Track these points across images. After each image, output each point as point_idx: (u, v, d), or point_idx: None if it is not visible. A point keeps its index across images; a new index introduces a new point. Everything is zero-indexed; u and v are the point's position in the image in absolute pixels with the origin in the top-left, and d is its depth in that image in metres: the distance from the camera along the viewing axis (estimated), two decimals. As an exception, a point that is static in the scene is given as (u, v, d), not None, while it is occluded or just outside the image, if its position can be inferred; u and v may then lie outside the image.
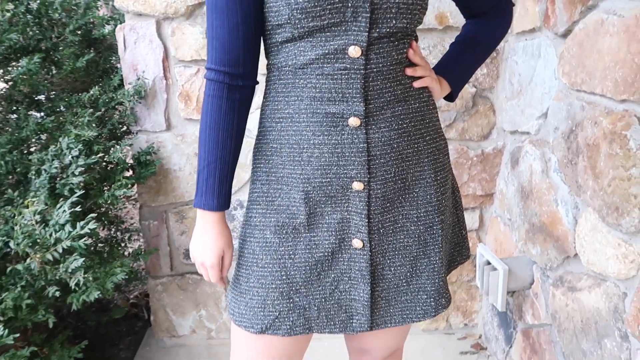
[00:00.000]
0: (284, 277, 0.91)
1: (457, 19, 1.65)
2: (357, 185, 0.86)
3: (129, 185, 1.46)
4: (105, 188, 1.45)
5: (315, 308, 0.93)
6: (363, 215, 0.87)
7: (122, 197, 1.44)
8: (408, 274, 0.93)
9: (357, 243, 0.89)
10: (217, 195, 0.90)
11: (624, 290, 1.15)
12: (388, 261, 0.91)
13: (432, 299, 0.95)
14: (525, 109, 1.59)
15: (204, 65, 1.65)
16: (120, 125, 1.66)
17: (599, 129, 1.19)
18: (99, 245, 1.60)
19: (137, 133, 1.71)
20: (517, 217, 1.66)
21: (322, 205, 0.88)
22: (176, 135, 1.73)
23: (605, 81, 1.17)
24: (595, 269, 1.24)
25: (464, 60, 1.06)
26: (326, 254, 0.90)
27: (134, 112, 1.67)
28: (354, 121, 0.83)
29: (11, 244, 1.18)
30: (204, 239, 0.93)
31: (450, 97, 1.08)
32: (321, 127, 0.84)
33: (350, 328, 0.94)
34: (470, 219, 1.90)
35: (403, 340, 1.16)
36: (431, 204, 0.92)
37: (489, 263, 1.64)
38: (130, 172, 1.63)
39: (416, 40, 0.93)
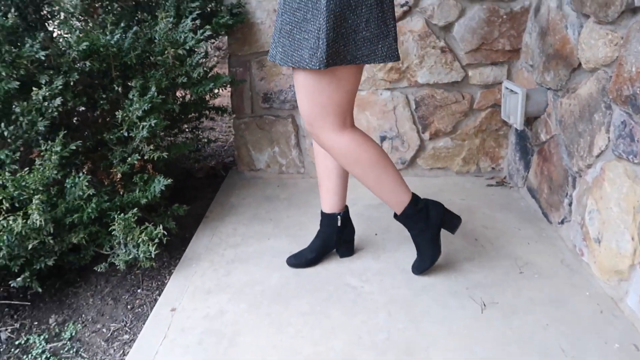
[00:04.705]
0: None
1: None
2: None
3: (228, 19, 1.91)
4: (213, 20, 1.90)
5: None
6: None
7: (223, 26, 1.89)
8: None
9: None
10: None
11: (610, 74, 1.51)
12: None
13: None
14: (546, -39, 1.91)
15: None
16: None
17: (597, -52, 1.53)
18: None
19: (228, -8, 2.15)
20: (536, 58, 2.01)
21: None
22: (259, -6, 2.16)
23: None
24: (590, 65, 1.60)
25: None
26: None
27: (227, -28, 2.11)
28: None
29: (156, 36, 1.65)
30: None
31: None
32: None
33: None
34: (499, 72, 2.26)
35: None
36: None
37: (512, 92, 2.01)
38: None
39: None
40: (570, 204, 1.76)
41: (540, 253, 1.73)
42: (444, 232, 1.81)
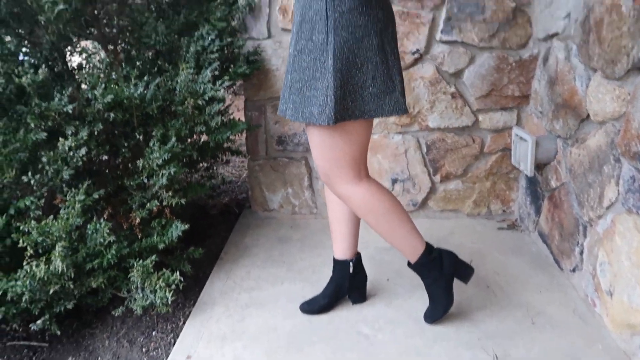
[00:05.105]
0: None
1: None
2: None
3: (245, 69, 1.98)
4: (230, 69, 1.97)
5: None
6: None
7: (241, 74, 1.96)
8: None
9: None
10: None
11: (619, 127, 1.54)
12: None
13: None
14: (554, 13, 1.97)
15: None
16: (235, 31, 2.18)
17: (604, 6, 1.58)
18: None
19: (246, 40, 2.23)
20: (545, 105, 2.05)
21: None
22: (275, 42, 2.23)
23: (609, -30, 1.56)
24: (599, 118, 1.63)
25: None
26: None
27: (244, 22, 2.19)
28: None
29: (177, 89, 1.72)
30: None
31: None
32: None
33: None
34: (509, 117, 2.30)
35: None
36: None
37: (521, 139, 2.05)
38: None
39: None
40: (581, 253, 1.77)
41: (552, 302, 1.74)
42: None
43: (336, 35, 1.30)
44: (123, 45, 2.11)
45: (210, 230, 2.63)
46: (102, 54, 2.11)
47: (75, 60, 2.02)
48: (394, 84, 1.38)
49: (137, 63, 2.03)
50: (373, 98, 1.36)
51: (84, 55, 2.00)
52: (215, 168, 2.75)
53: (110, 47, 2.15)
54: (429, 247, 1.57)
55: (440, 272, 1.58)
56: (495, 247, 2.14)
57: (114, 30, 2.19)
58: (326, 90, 1.31)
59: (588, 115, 1.72)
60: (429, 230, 2.32)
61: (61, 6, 1.50)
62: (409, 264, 1.60)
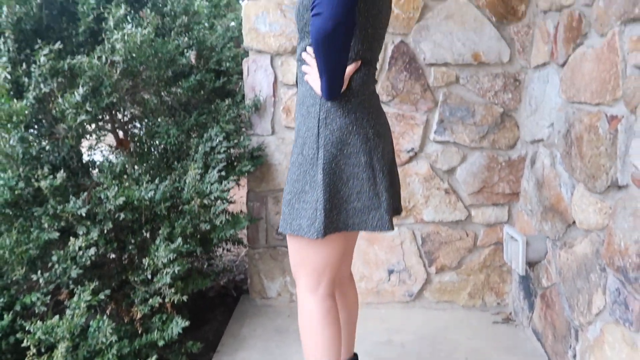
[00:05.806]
0: None
1: (489, 57, 2.23)
2: None
3: (250, 167, 2.09)
4: (236, 167, 2.09)
5: None
6: None
7: (245, 172, 2.07)
8: None
9: None
10: None
11: (603, 238, 1.63)
12: None
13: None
14: (539, 122, 2.12)
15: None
16: (241, 128, 2.32)
17: (583, 125, 1.72)
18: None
19: (251, 137, 2.36)
20: (534, 205, 2.15)
21: None
22: (278, 139, 2.37)
23: (586, 92, 1.71)
24: (584, 226, 1.72)
25: None
26: None
27: (250, 120, 2.33)
28: None
29: (185, 189, 1.81)
30: None
31: None
32: None
33: None
34: (501, 213, 2.40)
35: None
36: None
37: (512, 238, 2.13)
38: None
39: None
40: (574, 357, 1.80)
41: (547, 407, 1.75)
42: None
43: (325, 151, 1.36)
44: (134, 131, 2.23)
45: (208, 314, 2.64)
46: (113, 139, 2.23)
47: (86, 144, 2.12)
48: (380, 200, 1.40)
49: (145, 149, 2.15)
50: (357, 212, 1.39)
51: (94, 136, 2.09)
52: (215, 250, 2.81)
53: (121, 132, 2.28)
54: None
55: None
56: (490, 344, 2.17)
57: (126, 118, 2.33)
58: (316, 203, 1.36)
59: (574, 222, 1.81)
60: (425, 323, 2.35)
61: (83, 117, 1.62)
62: None
